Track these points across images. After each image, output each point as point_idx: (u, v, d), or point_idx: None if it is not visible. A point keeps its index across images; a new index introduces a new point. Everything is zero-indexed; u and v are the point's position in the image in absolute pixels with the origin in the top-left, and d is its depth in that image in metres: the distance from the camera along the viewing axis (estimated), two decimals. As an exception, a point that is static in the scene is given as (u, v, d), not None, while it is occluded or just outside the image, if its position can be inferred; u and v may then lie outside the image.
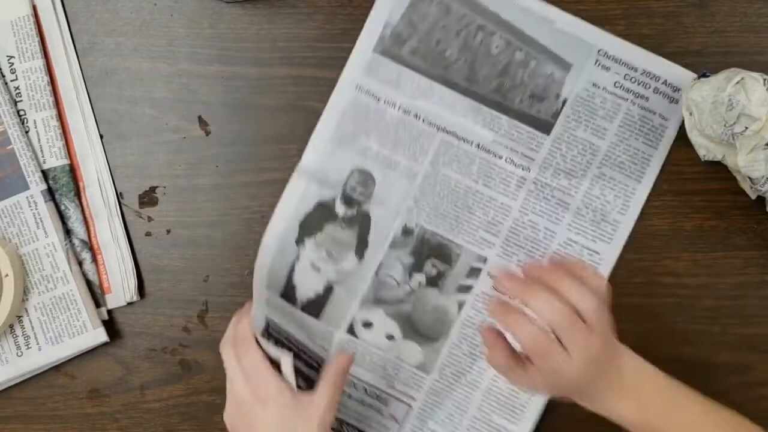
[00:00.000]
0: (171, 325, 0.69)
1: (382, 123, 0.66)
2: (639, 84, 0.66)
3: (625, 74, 0.66)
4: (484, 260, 0.66)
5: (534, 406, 0.65)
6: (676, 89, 0.65)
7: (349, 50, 0.67)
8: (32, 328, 0.67)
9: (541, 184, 0.66)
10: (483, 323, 0.65)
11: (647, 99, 0.66)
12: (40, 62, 0.68)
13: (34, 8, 0.68)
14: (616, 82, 0.66)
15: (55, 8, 0.69)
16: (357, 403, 0.67)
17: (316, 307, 0.67)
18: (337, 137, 0.67)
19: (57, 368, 0.68)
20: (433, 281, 0.66)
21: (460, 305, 0.66)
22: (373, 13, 0.67)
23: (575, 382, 0.54)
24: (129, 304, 0.68)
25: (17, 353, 0.67)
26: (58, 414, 0.68)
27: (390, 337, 0.66)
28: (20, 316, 0.67)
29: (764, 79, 0.60)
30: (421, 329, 0.66)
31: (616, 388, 0.54)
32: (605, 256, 0.65)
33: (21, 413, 0.68)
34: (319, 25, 0.69)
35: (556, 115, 0.66)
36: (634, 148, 0.66)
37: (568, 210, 0.66)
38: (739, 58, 0.66)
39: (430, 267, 0.66)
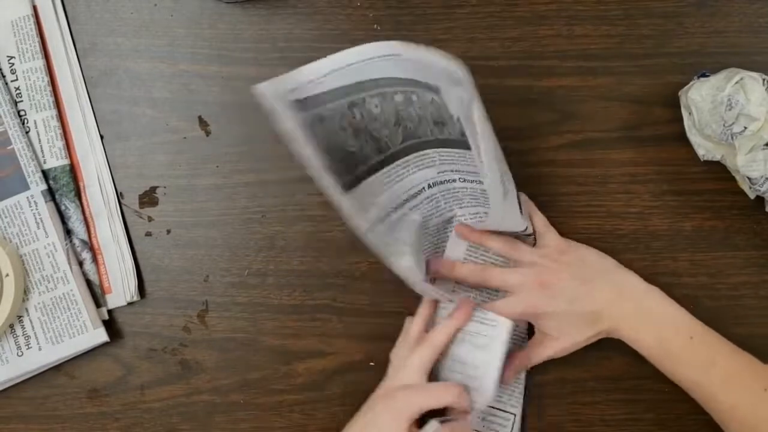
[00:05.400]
0: (171, 325, 0.69)
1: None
2: None
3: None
4: None
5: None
6: None
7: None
8: (32, 328, 0.67)
9: (501, 182, 0.60)
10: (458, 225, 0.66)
11: None
12: (40, 62, 0.68)
13: (35, 8, 0.68)
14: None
15: (55, 8, 0.69)
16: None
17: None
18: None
19: (57, 368, 0.68)
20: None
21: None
22: None
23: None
24: (129, 304, 0.68)
25: (17, 353, 0.67)
26: (57, 414, 0.68)
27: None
28: (20, 316, 0.67)
29: (763, 79, 0.60)
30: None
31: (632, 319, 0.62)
32: None
33: (21, 413, 0.68)
34: (319, 25, 0.69)
35: (463, 132, 0.57)
36: None
37: None
38: (738, 58, 0.66)
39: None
